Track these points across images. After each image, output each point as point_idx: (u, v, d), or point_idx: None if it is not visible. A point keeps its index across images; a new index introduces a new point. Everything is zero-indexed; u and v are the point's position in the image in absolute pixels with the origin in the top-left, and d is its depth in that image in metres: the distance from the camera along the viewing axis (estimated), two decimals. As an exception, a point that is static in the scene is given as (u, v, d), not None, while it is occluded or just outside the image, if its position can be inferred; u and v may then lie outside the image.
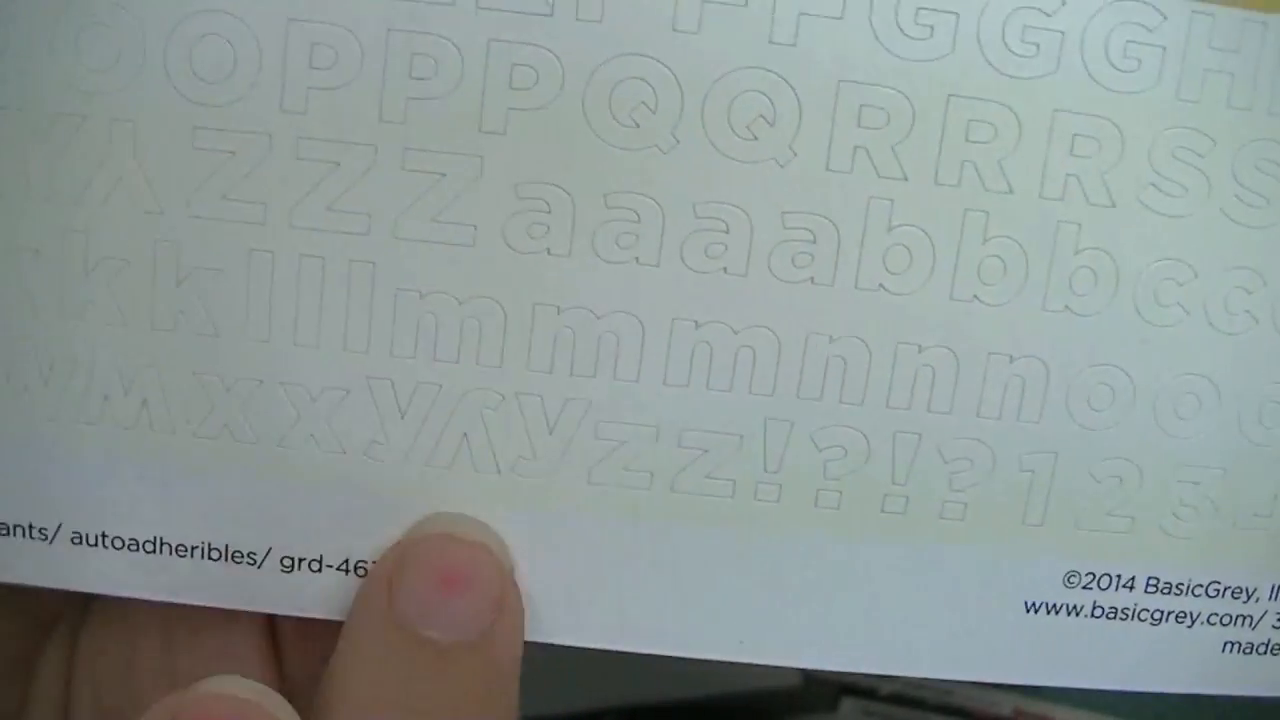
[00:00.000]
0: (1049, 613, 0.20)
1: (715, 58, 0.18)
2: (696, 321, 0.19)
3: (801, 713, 0.36)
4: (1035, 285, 0.19)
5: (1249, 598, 0.21)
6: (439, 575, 0.19)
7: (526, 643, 0.20)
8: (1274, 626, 0.21)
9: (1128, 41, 0.18)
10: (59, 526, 0.19)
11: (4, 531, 0.19)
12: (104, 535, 0.19)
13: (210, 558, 0.19)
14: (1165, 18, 0.18)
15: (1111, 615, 0.20)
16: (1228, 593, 0.21)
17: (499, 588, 0.19)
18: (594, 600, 0.20)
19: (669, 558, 0.20)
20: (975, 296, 0.19)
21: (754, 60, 0.18)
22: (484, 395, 0.19)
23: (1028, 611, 0.20)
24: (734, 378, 0.19)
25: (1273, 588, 0.21)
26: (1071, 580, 0.20)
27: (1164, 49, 0.18)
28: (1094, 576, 0.20)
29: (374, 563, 0.20)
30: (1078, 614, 0.20)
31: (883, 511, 0.20)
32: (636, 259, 0.19)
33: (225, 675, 0.18)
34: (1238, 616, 0.21)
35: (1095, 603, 0.20)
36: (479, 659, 0.19)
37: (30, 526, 0.19)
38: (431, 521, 0.20)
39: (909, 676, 0.21)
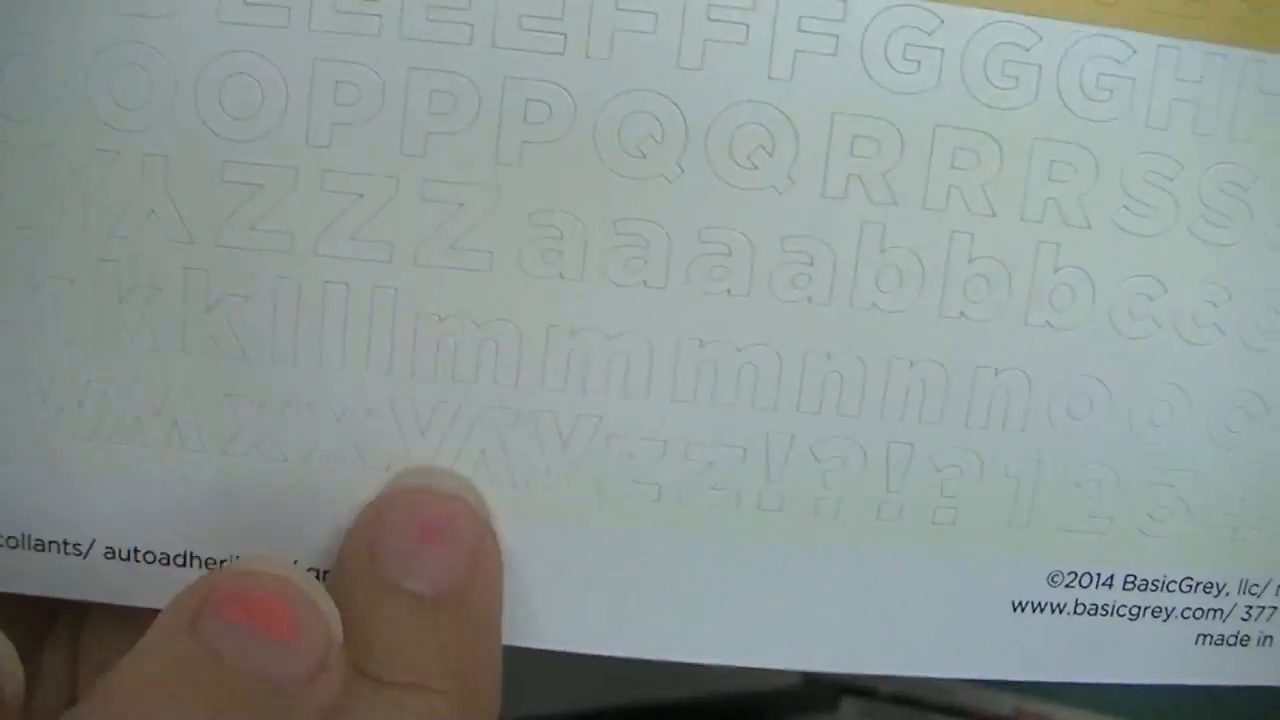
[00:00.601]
0: (1034, 611, 0.21)
1: (717, 92, 0.19)
2: (701, 340, 0.20)
3: (801, 713, 0.37)
4: (1017, 302, 0.20)
5: (1219, 592, 0.22)
6: (417, 527, 0.19)
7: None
8: (1242, 619, 0.22)
9: (1100, 74, 0.20)
10: (93, 542, 0.20)
11: (40, 548, 0.20)
12: (136, 550, 0.20)
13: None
14: (1134, 51, 0.20)
15: (1092, 612, 0.22)
16: (1199, 588, 0.22)
17: (475, 538, 0.20)
18: (604, 608, 0.21)
19: (675, 565, 0.21)
20: (962, 313, 0.20)
21: (754, 95, 0.19)
22: (501, 413, 0.20)
23: (1014, 610, 0.21)
24: (737, 394, 0.20)
25: (1241, 582, 0.22)
26: (1055, 580, 0.21)
27: (1133, 80, 0.20)
28: (1075, 575, 0.21)
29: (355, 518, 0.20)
30: (1061, 611, 0.22)
31: (878, 518, 0.21)
32: (644, 282, 0.20)
33: (255, 555, 0.19)
34: (1209, 610, 0.22)
35: (1077, 600, 0.22)
36: (459, 610, 0.19)
37: (65, 543, 0.20)
38: (408, 474, 0.20)
39: (902, 675, 0.22)
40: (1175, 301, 0.20)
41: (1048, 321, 0.20)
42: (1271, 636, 0.22)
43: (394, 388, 0.20)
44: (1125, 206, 0.20)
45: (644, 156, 0.19)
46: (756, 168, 0.19)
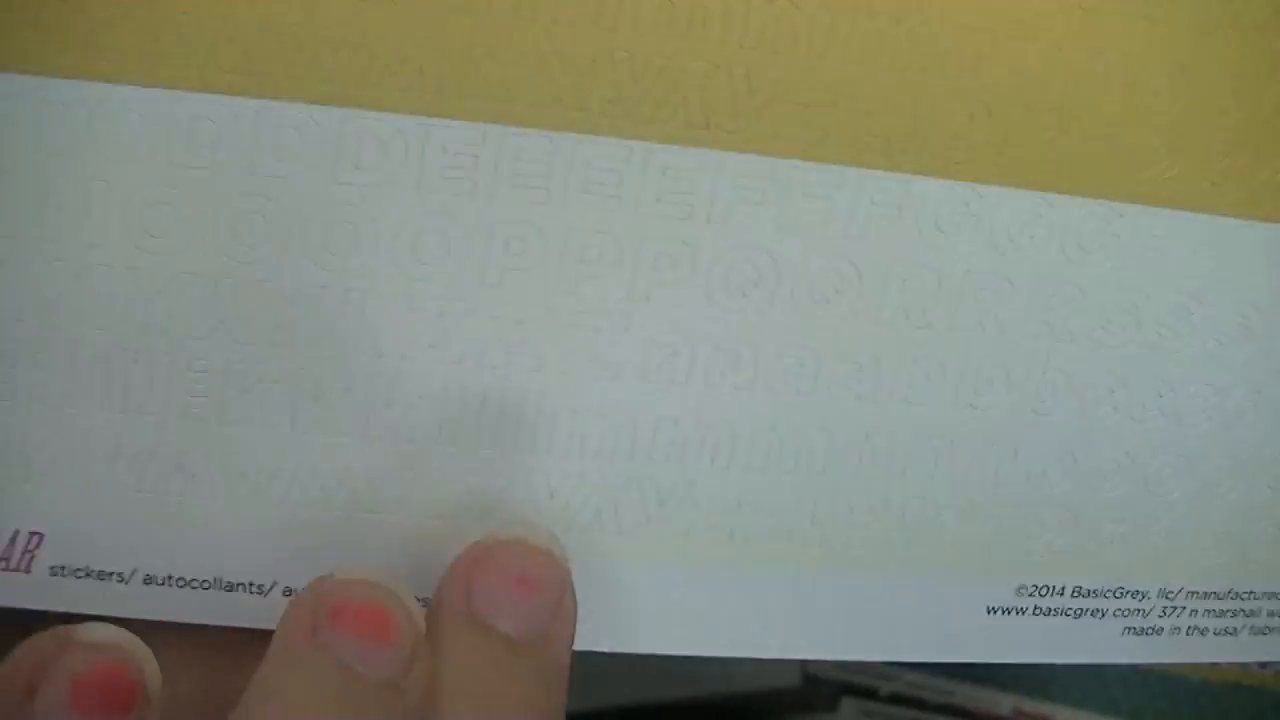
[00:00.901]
0: (1004, 614, 0.27)
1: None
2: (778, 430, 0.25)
3: (801, 713, 0.37)
4: (1017, 396, 0.26)
5: (1142, 597, 0.27)
6: (515, 575, 0.21)
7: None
8: (1159, 616, 0.28)
9: (1024, 224, 0.25)
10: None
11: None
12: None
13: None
14: (1052, 207, 0.25)
15: (1047, 613, 0.27)
16: (1128, 594, 0.27)
17: (560, 589, 0.21)
18: (687, 619, 0.26)
19: (743, 589, 0.26)
20: (971, 404, 0.26)
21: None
22: (615, 479, 0.25)
23: (988, 614, 0.27)
24: (796, 465, 0.25)
25: (1160, 589, 0.27)
26: (1021, 591, 0.27)
27: (1051, 227, 0.25)
28: (1036, 587, 0.27)
29: (452, 561, 0.22)
30: (1024, 614, 0.27)
31: (892, 550, 0.26)
32: (734, 386, 0.25)
33: (353, 562, 0.20)
34: (1133, 610, 0.27)
35: (1035, 605, 0.27)
36: (540, 654, 0.21)
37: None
38: (505, 525, 0.22)
39: (900, 663, 0.27)
40: (1132, 397, 0.26)
41: (1034, 409, 0.26)
42: (1180, 628, 0.28)
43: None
44: (1044, 320, 0.26)
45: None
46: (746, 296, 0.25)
